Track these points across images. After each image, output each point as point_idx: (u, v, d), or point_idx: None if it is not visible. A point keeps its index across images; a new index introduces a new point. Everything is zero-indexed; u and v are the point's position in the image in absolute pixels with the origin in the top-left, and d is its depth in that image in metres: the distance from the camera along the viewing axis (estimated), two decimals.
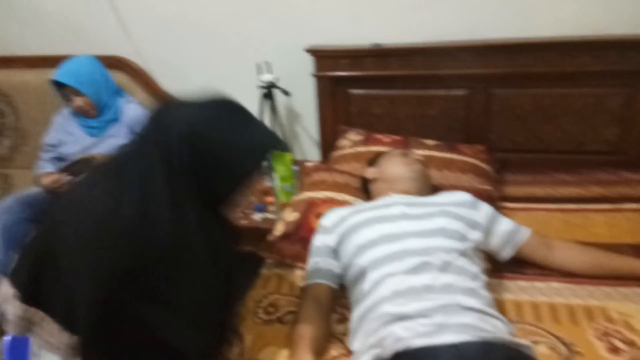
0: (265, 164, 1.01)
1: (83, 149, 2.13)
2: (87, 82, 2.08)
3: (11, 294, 1.03)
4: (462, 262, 1.21)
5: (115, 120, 2.18)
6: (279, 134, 2.20)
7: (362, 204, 1.45)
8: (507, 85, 1.95)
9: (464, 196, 1.43)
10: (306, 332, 1.17)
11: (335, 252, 1.34)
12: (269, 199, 2.03)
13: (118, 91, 2.24)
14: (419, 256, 1.19)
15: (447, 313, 1.07)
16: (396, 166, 1.51)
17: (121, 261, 0.90)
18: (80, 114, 2.12)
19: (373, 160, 1.61)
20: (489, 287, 1.26)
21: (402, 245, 1.23)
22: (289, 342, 1.19)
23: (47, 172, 2.14)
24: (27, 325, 1.02)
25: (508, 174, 1.96)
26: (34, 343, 1.00)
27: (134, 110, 2.21)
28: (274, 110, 2.15)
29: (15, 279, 1.05)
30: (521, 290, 1.36)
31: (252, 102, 2.16)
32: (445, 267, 1.17)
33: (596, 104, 1.89)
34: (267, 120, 2.18)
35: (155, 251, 0.90)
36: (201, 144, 0.93)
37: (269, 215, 1.93)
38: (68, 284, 0.93)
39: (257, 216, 1.93)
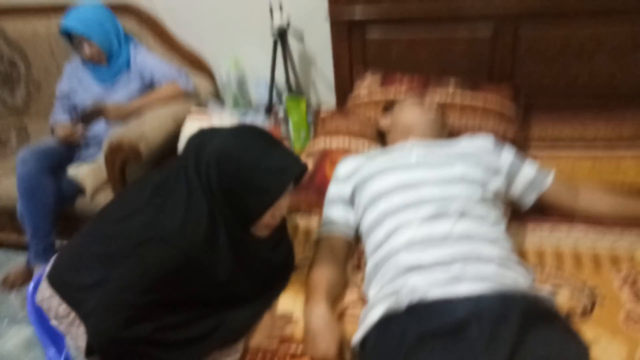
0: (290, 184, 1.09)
1: (94, 97, 2.11)
2: (96, 29, 2.03)
3: (48, 294, 1.13)
4: (482, 208, 1.17)
5: (125, 68, 2.14)
6: (292, 79, 2.13)
7: (377, 151, 1.40)
8: (536, 24, 1.82)
9: (485, 140, 1.37)
10: (320, 279, 1.17)
11: (350, 202, 1.31)
12: None
13: (127, 39, 2.19)
14: (436, 204, 1.15)
15: (465, 262, 1.04)
16: (411, 113, 1.45)
17: (159, 264, 1.02)
18: (90, 62, 2.08)
19: (387, 108, 1.54)
20: (510, 232, 1.23)
21: (419, 194, 1.19)
22: (305, 290, 1.19)
23: (60, 122, 2.14)
24: (67, 325, 1.12)
25: (534, 118, 1.87)
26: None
27: (143, 57, 2.16)
28: (287, 54, 2.06)
29: (53, 280, 1.14)
30: (544, 235, 1.33)
31: (265, 48, 2.08)
32: (463, 214, 1.13)
33: (631, 43, 1.76)
34: (280, 66, 2.11)
35: (183, 258, 1.02)
36: (232, 167, 1.03)
37: None
38: (104, 286, 1.03)
39: None
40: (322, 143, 1.62)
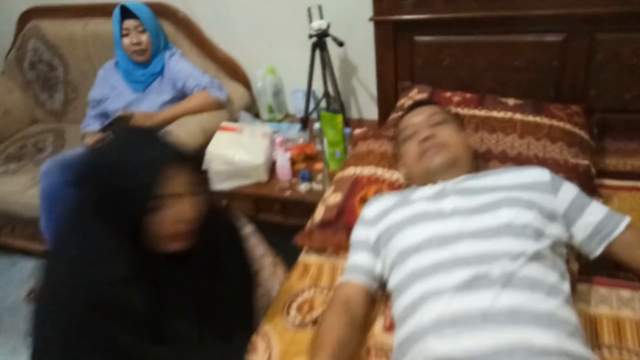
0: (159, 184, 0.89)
1: (126, 105, 2.04)
2: (152, 22, 2.03)
3: None
4: (534, 268, 0.91)
5: (159, 74, 2.05)
6: (331, 89, 1.93)
7: (412, 191, 1.16)
8: (616, 28, 1.52)
9: (539, 174, 1.09)
10: (328, 338, 0.96)
11: (375, 250, 1.11)
12: (318, 165, 1.80)
13: (167, 44, 2.12)
14: (474, 266, 0.91)
15: (512, 357, 0.80)
16: (414, 162, 1.19)
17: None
18: (133, 55, 2.01)
19: (394, 144, 1.32)
20: (576, 296, 0.99)
21: (453, 251, 0.95)
22: (308, 351, 0.99)
23: (90, 131, 2.07)
24: None
25: (609, 142, 1.58)
26: None
27: (176, 62, 2.06)
28: (326, 62, 1.87)
29: None
30: (622, 301, 1.06)
31: (302, 53, 1.91)
32: (510, 280, 0.88)
33: None
34: (318, 74, 1.92)
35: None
36: (99, 178, 0.89)
37: (316, 186, 1.72)
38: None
39: (302, 186, 1.72)
40: (352, 169, 1.41)
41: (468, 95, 1.61)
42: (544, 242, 0.96)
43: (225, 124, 1.88)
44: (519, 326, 0.83)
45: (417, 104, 1.29)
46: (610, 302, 1.06)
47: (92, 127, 2.11)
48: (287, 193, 1.72)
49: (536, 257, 0.93)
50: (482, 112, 1.51)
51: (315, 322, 1.11)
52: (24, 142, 2.44)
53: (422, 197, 1.11)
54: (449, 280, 0.91)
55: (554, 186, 1.07)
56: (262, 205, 1.81)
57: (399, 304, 0.98)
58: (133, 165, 0.87)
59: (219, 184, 1.79)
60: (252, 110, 2.23)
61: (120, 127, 1.93)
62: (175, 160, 0.90)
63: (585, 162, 1.35)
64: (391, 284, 1.04)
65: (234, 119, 2.02)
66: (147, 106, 2.03)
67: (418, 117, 1.22)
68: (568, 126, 1.46)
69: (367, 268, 1.09)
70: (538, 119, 1.47)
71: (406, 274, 0.98)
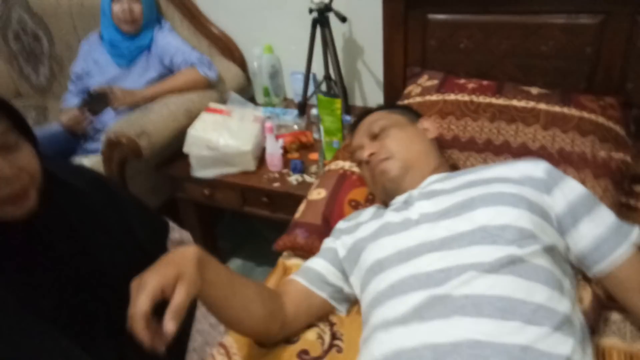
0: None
1: (109, 80, 1.87)
2: None
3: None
4: (513, 284, 0.70)
5: (146, 48, 1.87)
6: (332, 71, 1.73)
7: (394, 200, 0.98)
8: None
9: (531, 168, 0.87)
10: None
11: (342, 267, 0.92)
12: (313, 156, 1.61)
13: (158, 18, 1.94)
14: (431, 287, 0.72)
15: None
16: (371, 185, 1.03)
17: None
18: (121, 25, 1.81)
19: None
20: (608, 328, 0.80)
21: (412, 268, 0.77)
22: None
23: (69, 107, 1.90)
24: None
25: None
26: None
27: (165, 37, 1.89)
28: (327, 40, 1.67)
29: None
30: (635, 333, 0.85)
31: (303, 31, 1.71)
32: (473, 304, 0.68)
33: None
34: (319, 54, 1.72)
35: None
36: None
37: (308, 178, 1.52)
38: None
39: (293, 177, 1.53)
40: (340, 163, 1.20)
41: (485, 82, 1.40)
42: (532, 246, 0.75)
43: (212, 105, 1.70)
44: None
45: (356, 122, 1.13)
46: (621, 330, 0.85)
47: (71, 102, 1.94)
48: (276, 185, 1.52)
49: (518, 267, 0.72)
50: (500, 101, 1.31)
51: (289, 340, 0.92)
52: None
53: (391, 209, 0.93)
54: (399, 308, 0.72)
55: (547, 183, 0.84)
56: (248, 196, 1.62)
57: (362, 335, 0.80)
58: None
59: (200, 171, 1.60)
60: (247, 93, 2.04)
61: (98, 102, 1.76)
62: None
63: (621, 156, 1.14)
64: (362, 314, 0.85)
65: (224, 101, 1.83)
66: (132, 83, 1.85)
67: (358, 135, 1.07)
68: (601, 119, 1.25)
69: (321, 274, 0.91)
70: (566, 109, 1.26)
71: (366, 302, 0.81)
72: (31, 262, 0.76)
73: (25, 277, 0.75)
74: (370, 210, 1.00)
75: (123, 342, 0.81)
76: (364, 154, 1.00)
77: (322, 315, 0.92)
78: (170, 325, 0.59)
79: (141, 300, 0.59)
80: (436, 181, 0.92)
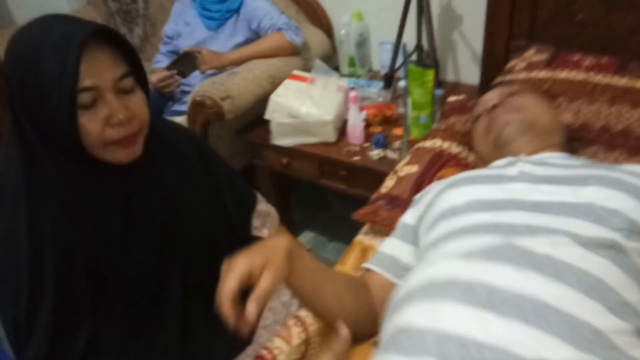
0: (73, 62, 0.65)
1: (198, 43, 1.88)
2: None
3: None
4: (609, 269, 0.60)
5: (236, 12, 1.85)
6: (425, 41, 1.61)
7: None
8: None
9: None
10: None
11: (415, 239, 0.84)
12: (396, 131, 1.52)
13: None
14: (509, 235, 0.64)
15: None
16: (482, 137, 0.94)
17: None
18: None
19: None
20: None
21: (492, 216, 0.69)
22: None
23: (158, 67, 1.94)
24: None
25: None
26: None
27: (253, 2, 1.85)
28: (423, 7, 1.55)
29: None
30: None
31: (397, 2, 1.60)
32: (557, 268, 0.59)
33: None
34: (412, 24, 1.61)
35: None
36: (15, 66, 0.68)
37: (390, 154, 1.44)
38: None
39: (374, 153, 1.45)
40: (438, 142, 1.11)
41: (604, 60, 1.23)
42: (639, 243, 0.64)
43: (296, 72, 1.65)
44: (543, 335, 0.54)
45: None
46: None
47: (161, 64, 1.98)
48: (356, 158, 1.46)
49: (618, 256, 0.62)
50: (622, 81, 1.14)
51: None
52: None
53: (492, 167, 0.84)
54: (465, 246, 0.65)
55: None
56: (326, 168, 1.57)
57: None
58: (47, 43, 0.65)
59: (280, 139, 1.57)
60: (332, 62, 1.97)
61: (186, 64, 1.77)
62: (85, 33, 0.67)
63: None
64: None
65: (308, 68, 1.78)
66: (219, 46, 1.85)
67: (491, 93, 0.98)
68: None
69: (394, 257, 0.84)
70: None
71: (426, 244, 0.74)
72: (123, 209, 0.77)
73: (115, 222, 0.76)
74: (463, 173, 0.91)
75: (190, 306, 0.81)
76: (490, 103, 0.94)
77: None
78: (252, 308, 0.58)
79: (230, 280, 0.60)
80: (551, 157, 0.83)
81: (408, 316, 0.62)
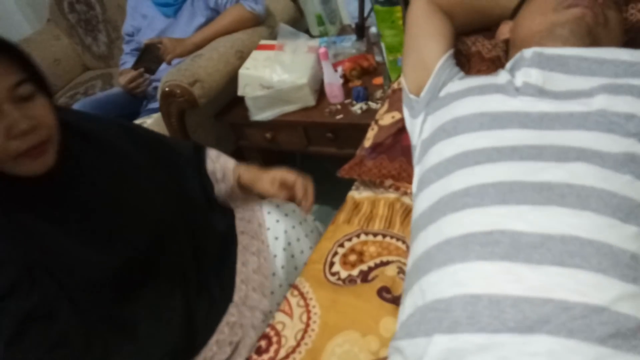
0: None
1: (159, 34, 1.81)
2: None
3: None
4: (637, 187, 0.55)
5: None
6: None
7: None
8: None
9: None
10: None
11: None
12: (377, 80, 1.44)
13: None
14: (517, 161, 0.59)
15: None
16: (543, 14, 0.75)
17: None
18: None
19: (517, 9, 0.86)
20: None
21: (493, 140, 0.63)
22: None
23: (125, 69, 1.87)
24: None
25: None
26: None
27: None
28: None
29: None
30: None
31: None
32: (582, 198, 0.53)
33: None
34: None
35: None
36: None
37: (373, 105, 1.36)
38: None
39: (357, 107, 1.37)
40: None
41: None
42: None
43: (262, 42, 1.57)
44: (584, 273, 0.49)
45: None
46: None
47: (127, 64, 1.91)
48: (339, 117, 1.38)
49: (638, 167, 0.56)
50: None
51: (366, 278, 0.82)
52: (76, 90, 2.34)
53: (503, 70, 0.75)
54: (470, 180, 0.60)
55: None
56: (311, 134, 1.50)
57: (419, 204, 0.69)
58: None
59: (259, 114, 1.50)
60: (300, 25, 1.88)
61: (151, 58, 1.70)
62: None
63: None
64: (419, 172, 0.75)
65: (275, 36, 1.69)
66: (181, 32, 1.77)
67: None
68: None
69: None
70: None
71: (429, 165, 0.70)
72: (61, 215, 0.72)
73: (57, 228, 0.71)
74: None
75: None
76: None
77: None
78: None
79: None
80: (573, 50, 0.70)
81: (430, 283, 0.56)
